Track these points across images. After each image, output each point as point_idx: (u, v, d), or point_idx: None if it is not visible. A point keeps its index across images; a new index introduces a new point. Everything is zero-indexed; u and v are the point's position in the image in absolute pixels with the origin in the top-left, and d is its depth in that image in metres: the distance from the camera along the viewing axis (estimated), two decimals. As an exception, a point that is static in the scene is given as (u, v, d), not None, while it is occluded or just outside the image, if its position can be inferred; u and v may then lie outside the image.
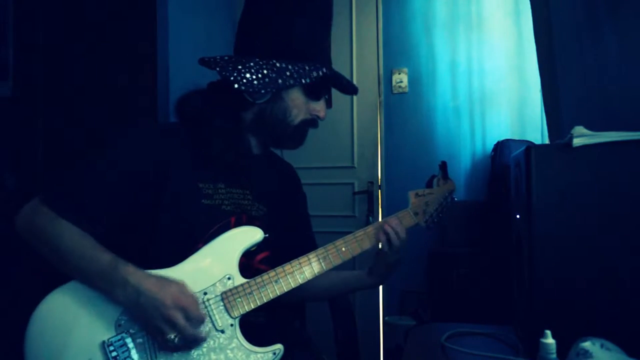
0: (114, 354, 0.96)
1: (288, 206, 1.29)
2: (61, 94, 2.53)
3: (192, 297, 0.97)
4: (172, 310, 0.93)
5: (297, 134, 1.20)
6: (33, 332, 0.97)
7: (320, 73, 1.16)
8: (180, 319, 0.93)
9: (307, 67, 1.15)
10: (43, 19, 2.55)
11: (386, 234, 1.13)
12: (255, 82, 1.11)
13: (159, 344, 0.96)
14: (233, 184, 1.16)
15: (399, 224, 1.14)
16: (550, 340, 0.83)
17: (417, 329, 1.41)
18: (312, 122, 1.21)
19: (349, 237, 1.13)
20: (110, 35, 2.48)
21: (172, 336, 0.93)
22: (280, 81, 1.13)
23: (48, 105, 2.54)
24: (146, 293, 0.94)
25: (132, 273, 0.96)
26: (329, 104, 1.24)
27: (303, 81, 1.14)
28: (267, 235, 1.08)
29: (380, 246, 1.13)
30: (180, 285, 0.97)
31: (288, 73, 1.13)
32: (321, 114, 1.20)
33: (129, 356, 0.96)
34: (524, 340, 1.06)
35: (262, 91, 1.13)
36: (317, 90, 1.19)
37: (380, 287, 2.71)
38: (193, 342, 0.96)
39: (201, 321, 0.97)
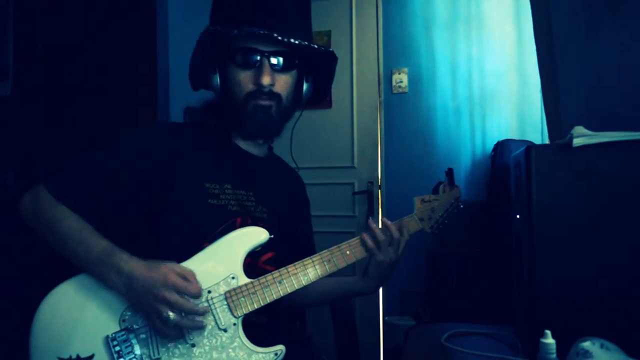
0: (117, 348, 0.96)
1: (290, 210, 1.28)
2: (61, 94, 2.53)
3: (184, 270, 0.96)
4: (163, 289, 0.93)
5: (248, 111, 1.11)
6: (38, 327, 0.98)
7: (235, 31, 1.06)
8: (172, 294, 0.93)
9: (233, 30, 1.07)
10: (43, 19, 2.55)
11: (387, 236, 1.11)
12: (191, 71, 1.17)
13: (158, 329, 0.95)
14: (239, 185, 1.16)
15: (403, 228, 1.13)
16: (550, 340, 0.83)
17: (417, 329, 1.41)
18: (256, 93, 1.10)
19: (354, 240, 1.12)
20: (110, 35, 2.49)
21: (168, 313, 0.92)
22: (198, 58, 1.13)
23: (48, 105, 2.54)
24: (138, 277, 0.94)
25: (124, 260, 0.97)
26: (282, 70, 1.12)
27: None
28: (272, 236, 1.08)
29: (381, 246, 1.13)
30: (170, 265, 0.97)
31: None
32: (261, 80, 1.08)
33: (132, 351, 0.97)
34: (524, 340, 1.06)
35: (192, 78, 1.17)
36: (244, 58, 1.10)
37: (380, 287, 2.71)
38: (191, 315, 0.95)
39: (196, 293, 0.96)
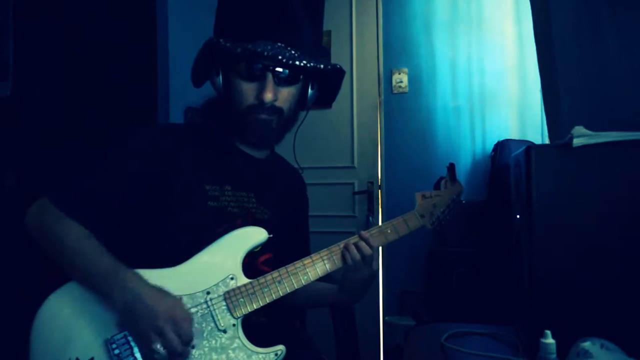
0: (116, 351, 0.96)
1: (291, 210, 1.28)
2: (61, 94, 2.53)
3: (187, 314, 0.97)
4: (164, 322, 0.92)
5: (248, 123, 1.11)
6: (37, 330, 0.98)
7: (239, 50, 1.05)
8: (169, 331, 0.93)
9: (237, 48, 1.06)
10: (43, 19, 2.55)
11: (351, 250, 1.07)
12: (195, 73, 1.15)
13: (144, 353, 0.96)
14: (239, 186, 1.16)
15: (370, 240, 1.08)
16: (550, 340, 0.83)
17: (417, 329, 1.41)
18: (257, 107, 1.09)
19: (353, 238, 1.11)
20: (111, 35, 2.49)
21: (159, 346, 0.92)
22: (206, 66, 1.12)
23: (48, 105, 2.54)
24: (143, 301, 0.94)
25: (132, 279, 0.96)
26: (286, 83, 1.10)
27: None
28: (271, 235, 1.07)
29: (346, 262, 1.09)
30: (177, 300, 0.97)
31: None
32: (263, 96, 1.07)
33: (132, 354, 0.96)
34: (524, 340, 1.06)
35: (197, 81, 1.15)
36: (248, 70, 1.08)
37: (380, 287, 2.71)
38: (177, 357, 0.95)
39: (189, 339, 0.96)
